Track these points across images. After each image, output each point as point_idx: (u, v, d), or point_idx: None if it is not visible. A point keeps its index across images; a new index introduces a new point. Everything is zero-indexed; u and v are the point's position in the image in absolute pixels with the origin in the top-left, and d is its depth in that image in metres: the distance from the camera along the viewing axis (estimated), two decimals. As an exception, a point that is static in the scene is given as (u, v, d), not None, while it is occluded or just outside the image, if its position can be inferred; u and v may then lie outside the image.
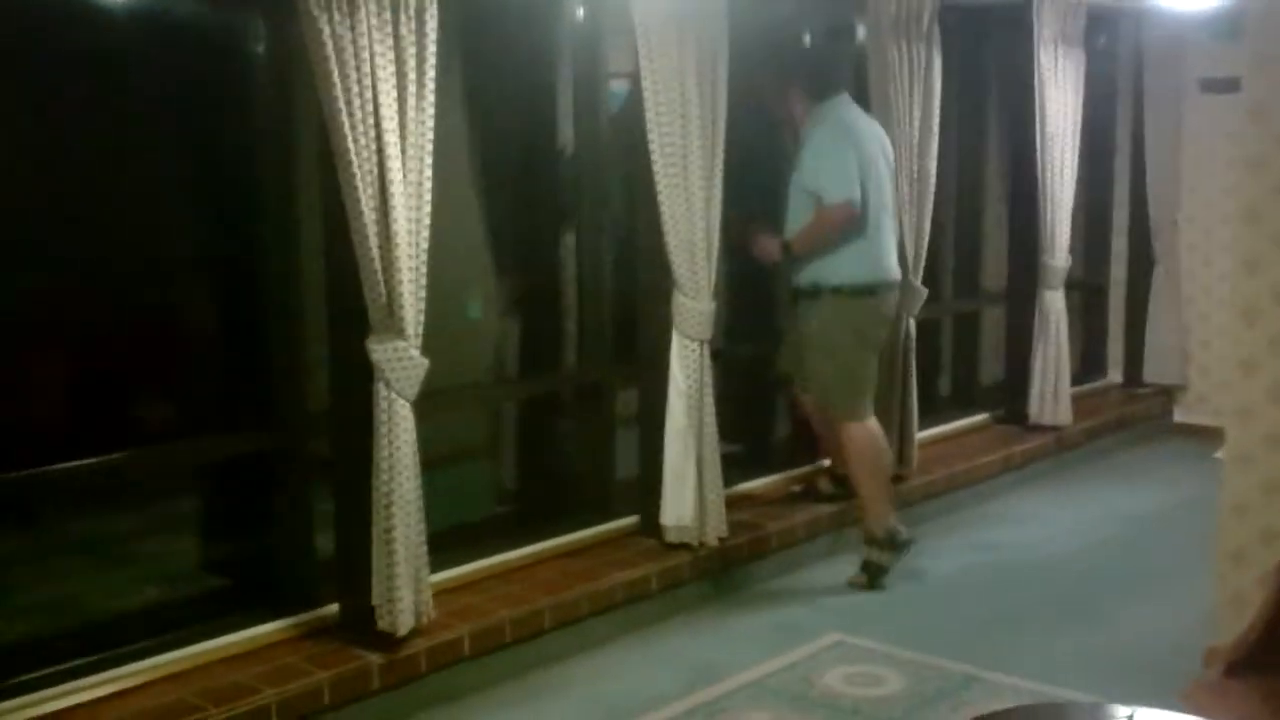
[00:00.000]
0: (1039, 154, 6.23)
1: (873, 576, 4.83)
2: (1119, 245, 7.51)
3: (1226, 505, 3.85)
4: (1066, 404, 6.50)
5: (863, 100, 5.20)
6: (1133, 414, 7.15)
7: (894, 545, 4.83)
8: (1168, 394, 7.38)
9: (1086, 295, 7.49)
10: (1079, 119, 6.39)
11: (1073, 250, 6.58)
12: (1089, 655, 4.23)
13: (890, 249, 4.87)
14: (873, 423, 4.89)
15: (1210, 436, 4.38)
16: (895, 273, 4.92)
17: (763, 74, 4.88)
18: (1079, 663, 4.16)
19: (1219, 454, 3.97)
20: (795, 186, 4.79)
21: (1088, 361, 7.48)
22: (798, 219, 4.77)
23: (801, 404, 5.20)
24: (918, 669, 4.12)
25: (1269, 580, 3.22)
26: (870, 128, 4.91)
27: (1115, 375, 7.57)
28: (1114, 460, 6.77)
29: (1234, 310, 3.87)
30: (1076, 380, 6.91)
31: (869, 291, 4.77)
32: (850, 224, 4.67)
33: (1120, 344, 7.54)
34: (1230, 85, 5.52)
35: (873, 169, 4.76)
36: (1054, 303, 6.42)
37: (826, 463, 5.40)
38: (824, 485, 5.31)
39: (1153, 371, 7.35)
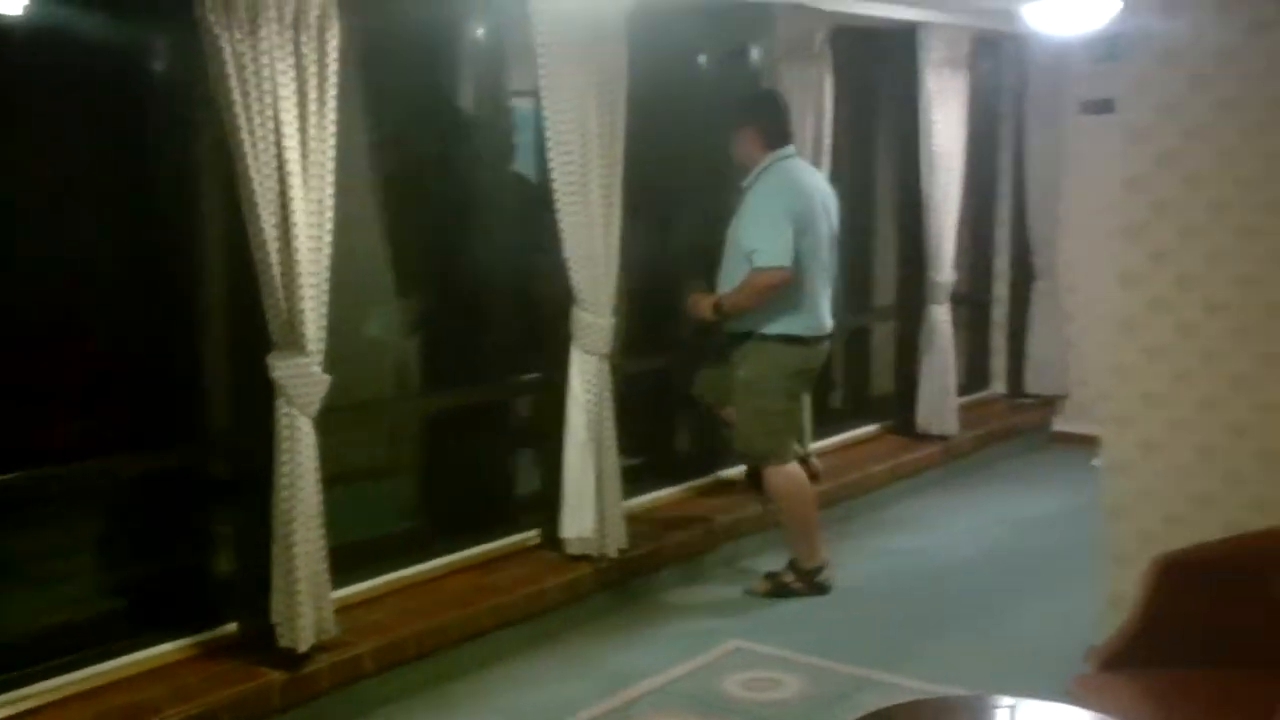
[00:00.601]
0: (925, 174, 6.42)
1: (774, 591, 4.92)
2: (1001, 262, 7.77)
3: (1105, 508, 4.01)
4: (953, 414, 6.70)
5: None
6: (1016, 423, 7.38)
7: (812, 583, 4.94)
8: (1049, 404, 7.63)
9: (971, 310, 7.73)
10: (964, 140, 6.61)
11: (958, 266, 6.79)
12: (980, 655, 4.38)
13: (825, 305, 4.88)
14: (793, 466, 4.94)
15: (1089, 444, 4.57)
16: (829, 325, 4.94)
17: (732, 110, 4.94)
18: (971, 663, 4.30)
19: (1096, 461, 4.13)
20: (733, 238, 4.82)
21: (973, 373, 7.71)
22: (732, 272, 4.80)
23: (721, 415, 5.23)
24: (814, 673, 4.22)
25: (1145, 580, 3.38)
26: (815, 182, 4.96)
27: (999, 386, 7.81)
28: (999, 468, 6.99)
29: (1112, 322, 4.04)
30: (963, 391, 7.12)
31: (802, 341, 4.81)
32: (782, 288, 4.69)
33: (1004, 356, 7.79)
34: (1105, 106, 5.76)
35: (812, 228, 4.77)
36: (940, 317, 6.62)
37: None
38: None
39: (1035, 383, 7.60)
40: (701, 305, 4.89)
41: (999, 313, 7.80)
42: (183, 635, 3.77)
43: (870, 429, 6.78)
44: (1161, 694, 3.05)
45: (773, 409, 4.84)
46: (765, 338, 4.75)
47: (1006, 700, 2.54)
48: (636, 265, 5.04)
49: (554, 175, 4.45)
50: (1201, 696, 3.05)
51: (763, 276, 4.68)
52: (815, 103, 5.54)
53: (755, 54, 5.54)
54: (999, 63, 7.49)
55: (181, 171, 3.80)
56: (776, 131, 4.85)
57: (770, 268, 4.65)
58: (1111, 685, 3.12)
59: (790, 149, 4.90)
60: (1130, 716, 2.79)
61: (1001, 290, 7.78)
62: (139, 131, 3.84)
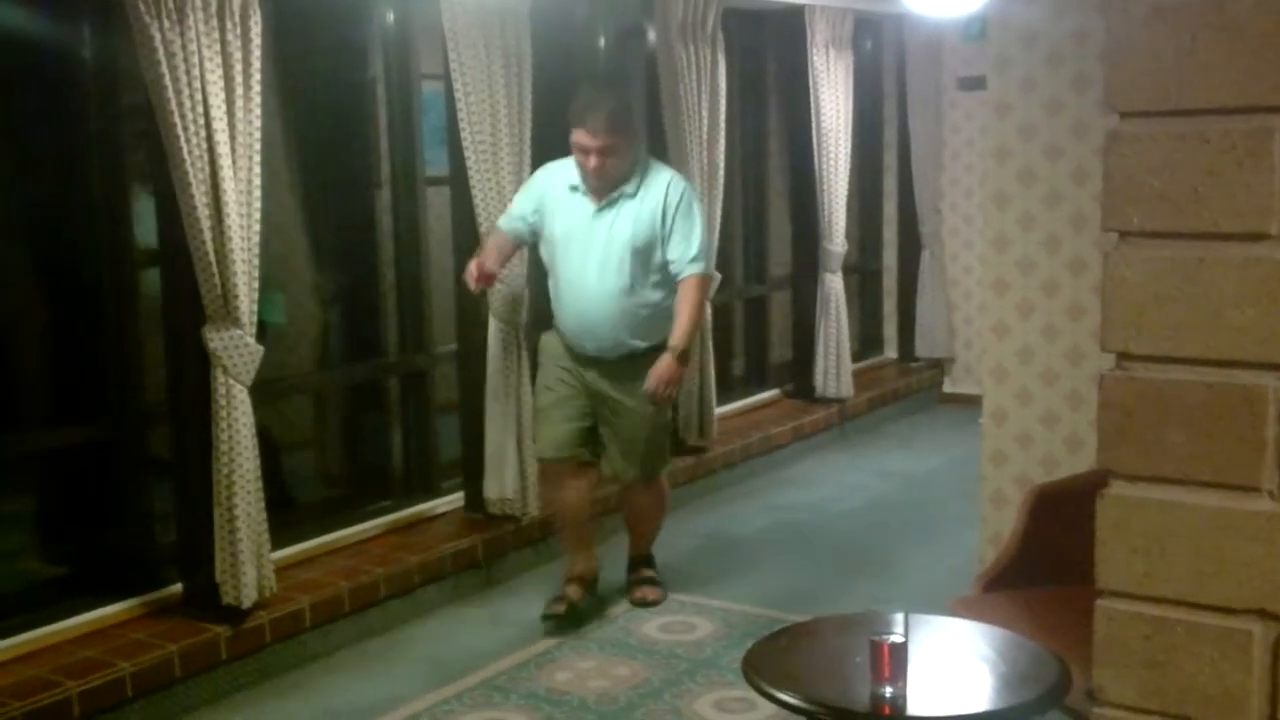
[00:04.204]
0: (815, 149, 6.76)
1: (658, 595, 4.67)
2: (890, 232, 8.17)
3: (986, 456, 4.36)
4: (848, 378, 7.07)
5: (653, 99, 5.60)
6: (907, 386, 7.79)
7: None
8: (938, 367, 8.07)
9: (863, 278, 8.11)
10: (851, 116, 6.96)
11: (849, 237, 7.15)
12: (875, 593, 4.72)
13: None
14: None
15: (976, 404, 4.90)
16: None
17: (615, 121, 4.15)
18: (869, 601, 4.63)
19: (983, 419, 4.44)
20: (620, 244, 4.17)
21: (866, 339, 8.10)
22: (629, 284, 4.18)
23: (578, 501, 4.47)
24: (725, 616, 4.54)
25: (1020, 509, 3.74)
26: None
27: (891, 351, 8.23)
28: (891, 427, 7.39)
29: (985, 283, 4.39)
30: (857, 357, 7.50)
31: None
32: None
33: (894, 322, 8.20)
34: (980, 83, 6.13)
35: None
36: (834, 285, 6.97)
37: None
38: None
39: (924, 347, 8.02)
40: (672, 372, 4.18)
41: (889, 281, 8.20)
42: (129, 597, 3.96)
43: (770, 394, 7.12)
44: (1035, 608, 3.40)
45: (666, 413, 4.55)
46: (663, 347, 4.23)
47: (898, 614, 2.85)
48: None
49: (466, 153, 4.68)
50: (1070, 610, 3.39)
51: (706, 284, 4.41)
52: (710, 82, 5.82)
53: (651, 35, 5.79)
54: (880, 42, 7.86)
55: (111, 156, 3.96)
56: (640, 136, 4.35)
57: (710, 273, 4.45)
58: (990, 603, 3.46)
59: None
60: (1004, 626, 3.13)
61: (891, 259, 8.18)
62: (71, 116, 3.99)
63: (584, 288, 4.22)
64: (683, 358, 4.22)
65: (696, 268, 4.21)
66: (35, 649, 3.69)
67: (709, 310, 5.92)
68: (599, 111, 4.11)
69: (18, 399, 4.05)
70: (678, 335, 4.19)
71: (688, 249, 4.19)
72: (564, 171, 4.28)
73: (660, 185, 4.22)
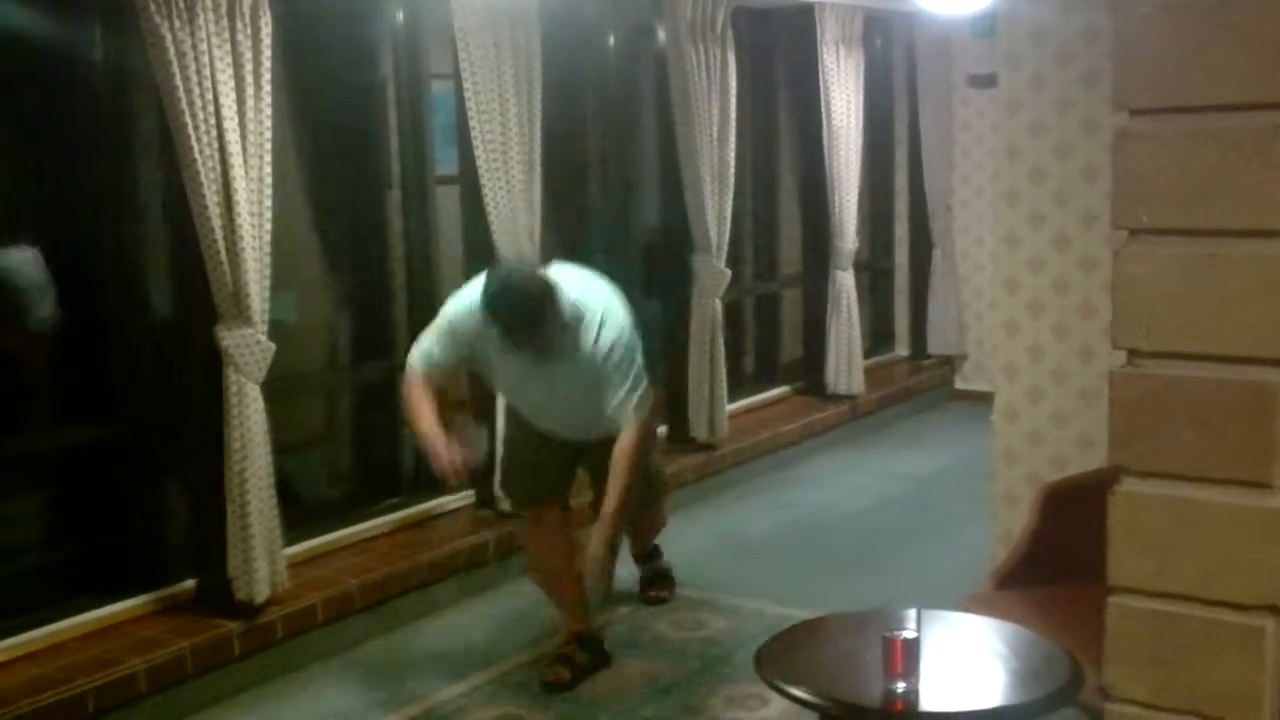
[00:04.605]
0: (826, 147, 6.75)
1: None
2: (901, 229, 8.16)
3: (997, 453, 4.36)
4: (859, 375, 7.07)
5: (664, 99, 5.59)
6: (918, 383, 7.79)
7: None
8: (949, 364, 8.05)
9: (874, 276, 8.11)
10: (861, 114, 6.95)
11: (859, 235, 7.14)
12: (887, 591, 4.71)
13: None
14: None
15: (987, 401, 4.90)
16: None
17: (534, 302, 3.57)
18: (879, 598, 4.62)
19: (993, 416, 4.43)
20: (572, 385, 3.76)
21: (877, 336, 8.10)
22: (596, 403, 3.72)
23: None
24: (736, 613, 4.54)
25: (1032, 506, 3.73)
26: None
27: (903, 349, 8.22)
28: (902, 425, 7.39)
29: (997, 281, 4.39)
30: (868, 354, 7.48)
31: None
32: None
33: (906, 319, 8.19)
34: (991, 80, 6.13)
35: None
36: (845, 282, 6.97)
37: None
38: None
39: (936, 344, 8.01)
40: (613, 541, 3.77)
41: (900, 278, 8.19)
42: (142, 593, 3.97)
43: (780, 391, 7.12)
44: (1047, 605, 3.40)
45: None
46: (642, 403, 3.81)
47: (910, 610, 2.85)
48: (557, 236, 5.28)
49: (476, 152, 4.69)
50: (1082, 607, 3.38)
51: (647, 428, 3.90)
52: (720, 81, 5.82)
53: (661, 34, 5.79)
54: (890, 39, 7.85)
55: (122, 155, 3.98)
56: (549, 281, 3.64)
57: (650, 417, 3.91)
58: (1002, 599, 3.47)
59: (551, 268, 3.85)
60: (1017, 623, 3.13)
61: (902, 256, 8.17)
62: (80, 116, 4.00)
63: (549, 412, 3.92)
64: (619, 521, 3.75)
65: (636, 416, 3.73)
66: (49, 645, 3.70)
67: (719, 307, 5.93)
68: (509, 312, 3.56)
69: (29, 398, 4.06)
70: (612, 501, 3.71)
71: (624, 401, 3.70)
72: (486, 320, 3.64)
73: (590, 334, 3.68)
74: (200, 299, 3.84)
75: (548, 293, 3.56)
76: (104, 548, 4.11)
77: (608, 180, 6.19)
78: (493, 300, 3.57)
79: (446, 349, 3.81)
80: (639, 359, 3.77)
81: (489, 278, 3.64)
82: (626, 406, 3.71)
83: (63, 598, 3.90)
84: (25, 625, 3.72)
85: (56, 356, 4.16)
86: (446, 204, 5.10)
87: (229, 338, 3.84)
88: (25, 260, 3.95)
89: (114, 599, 3.94)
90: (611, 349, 3.69)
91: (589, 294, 3.74)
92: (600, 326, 3.69)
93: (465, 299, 3.75)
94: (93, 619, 3.84)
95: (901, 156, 8.07)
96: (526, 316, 3.56)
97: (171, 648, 3.70)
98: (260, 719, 3.82)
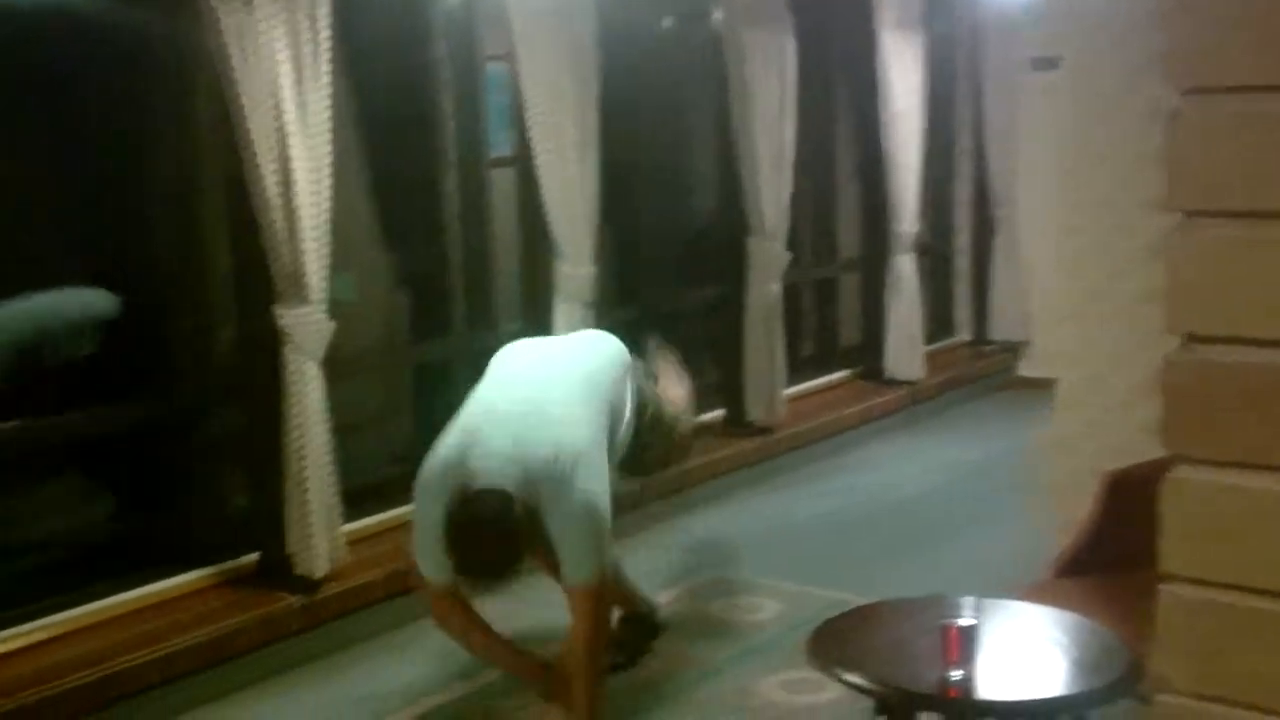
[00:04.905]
0: (885, 130, 6.68)
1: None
2: (963, 214, 8.06)
3: (1057, 441, 4.30)
4: (919, 360, 7.00)
5: (720, 83, 5.55)
6: (980, 369, 7.70)
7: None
8: (1012, 350, 7.95)
9: (935, 260, 8.02)
10: (922, 96, 6.87)
11: (921, 219, 7.07)
12: (943, 578, 4.68)
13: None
14: None
15: (1048, 388, 4.84)
16: None
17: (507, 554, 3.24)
18: (934, 584, 4.57)
19: (1054, 404, 4.36)
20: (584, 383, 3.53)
21: (938, 321, 8.00)
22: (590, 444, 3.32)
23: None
24: (792, 597, 4.52)
25: (1096, 494, 3.68)
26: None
27: (964, 334, 8.12)
28: (962, 411, 7.31)
29: (1058, 268, 4.33)
30: (929, 339, 7.42)
31: None
32: None
33: (968, 305, 8.10)
34: (1053, 63, 6.03)
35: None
36: (905, 267, 6.90)
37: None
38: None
39: (998, 329, 7.91)
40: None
41: (962, 263, 8.10)
42: (205, 565, 4.04)
43: (840, 375, 7.07)
44: (1108, 595, 3.35)
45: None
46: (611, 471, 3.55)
47: (967, 598, 2.83)
48: (612, 219, 5.27)
49: (531, 135, 4.70)
50: (1142, 597, 3.33)
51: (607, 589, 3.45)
52: (778, 64, 5.78)
53: (717, 16, 5.75)
54: (951, 21, 7.74)
55: (182, 138, 4.04)
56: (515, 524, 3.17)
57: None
58: (1062, 588, 3.43)
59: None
60: (1076, 612, 3.09)
61: (964, 241, 8.08)
62: (141, 99, 4.07)
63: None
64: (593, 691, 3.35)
65: (596, 569, 3.32)
66: (113, 616, 3.78)
67: (778, 289, 5.89)
68: (473, 549, 3.21)
69: (94, 375, 4.13)
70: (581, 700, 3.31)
71: (586, 555, 3.29)
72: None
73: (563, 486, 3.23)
74: (260, 277, 3.89)
75: (513, 540, 3.16)
76: (169, 523, 4.18)
77: (663, 163, 6.17)
78: (457, 533, 3.14)
79: (441, 551, 3.24)
80: (609, 506, 3.32)
81: (455, 494, 3.14)
82: (588, 562, 3.25)
83: (128, 571, 3.97)
84: (91, 596, 3.80)
85: (119, 333, 4.23)
86: (502, 186, 5.11)
87: (288, 316, 3.88)
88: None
89: (182, 570, 4.00)
90: (584, 507, 3.22)
91: (566, 438, 3.27)
92: (573, 477, 3.21)
93: (425, 502, 3.27)
94: (156, 591, 3.91)
95: (965, 140, 7.97)
96: (488, 566, 3.22)
97: (231, 620, 3.77)
98: (318, 692, 3.87)
